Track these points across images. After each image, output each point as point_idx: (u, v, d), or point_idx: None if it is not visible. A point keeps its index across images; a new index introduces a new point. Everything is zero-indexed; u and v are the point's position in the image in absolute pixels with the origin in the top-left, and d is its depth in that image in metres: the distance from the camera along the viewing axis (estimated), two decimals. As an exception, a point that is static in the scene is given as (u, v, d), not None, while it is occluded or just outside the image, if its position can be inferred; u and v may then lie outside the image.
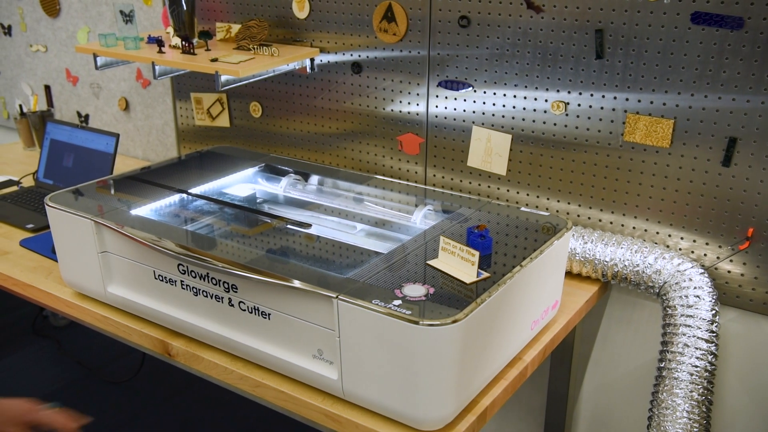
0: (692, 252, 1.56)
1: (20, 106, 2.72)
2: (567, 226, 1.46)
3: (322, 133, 2.06)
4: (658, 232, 1.60)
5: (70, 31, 2.62)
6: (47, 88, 2.83)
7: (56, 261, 1.67)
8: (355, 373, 1.20)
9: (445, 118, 1.81)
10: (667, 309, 1.51)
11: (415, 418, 1.18)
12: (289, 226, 1.57)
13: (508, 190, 1.77)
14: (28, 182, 2.36)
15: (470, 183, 1.83)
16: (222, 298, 1.34)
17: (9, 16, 2.84)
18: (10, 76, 2.97)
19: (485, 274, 1.24)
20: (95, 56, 2.00)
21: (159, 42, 1.91)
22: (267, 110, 2.15)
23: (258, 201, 1.80)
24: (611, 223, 1.65)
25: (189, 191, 1.69)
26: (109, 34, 1.99)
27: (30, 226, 1.99)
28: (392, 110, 1.89)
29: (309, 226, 1.56)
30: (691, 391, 1.44)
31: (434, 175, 1.88)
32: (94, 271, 1.53)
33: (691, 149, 1.50)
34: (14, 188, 2.31)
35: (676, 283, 1.49)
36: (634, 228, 1.63)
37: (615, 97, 1.56)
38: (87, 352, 2.79)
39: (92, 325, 1.61)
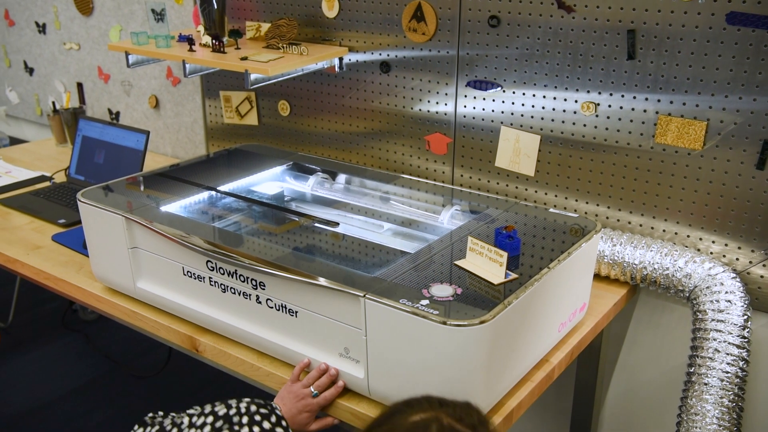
0: (724, 256, 1.54)
1: (53, 103, 2.76)
2: (596, 228, 1.44)
3: (349, 132, 2.06)
4: (688, 236, 1.58)
5: (103, 29, 2.66)
6: (79, 85, 2.88)
7: (87, 256, 1.69)
8: (382, 372, 1.21)
9: (474, 118, 1.80)
10: (698, 313, 1.49)
11: (441, 419, 1.17)
12: (316, 224, 1.58)
13: (536, 191, 1.76)
14: (60, 178, 2.40)
15: (498, 183, 1.82)
16: (250, 295, 1.35)
17: (44, 15, 2.88)
18: (44, 73, 3.03)
19: (513, 276, 1.23)
20: (127, 54, 2.03)
21: (190, 40, 1.93)
22: (295, 109, 2.16)
23: (286, 199, 1.81)
24: (641, 225, 1.63)
25: (217, 189, 1.71)
26: (141, 32, 2.01)
27: (62, 221, 2.02)
28: (420, 110, 1.89)
29: (336, 224, 1.56)
30: (721, 398, 1.42)
31: (462, 176, 1.88)
32: (124, 267, 1.55)
33: (725, 152, 1.48)
34: (47, 184, 2.35)
35: (707, 288, 1.47)
36: (664, 231, 1.61)
37: (646, 98, 1.54)
38: (114, 346, 2.82)
39: (121, 320, 1.63)
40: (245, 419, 1.15)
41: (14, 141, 3.04)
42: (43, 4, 2.86)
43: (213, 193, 1.70)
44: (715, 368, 1.43)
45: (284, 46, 1.92)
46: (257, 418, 1.16)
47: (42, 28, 2.92)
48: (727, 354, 1.43)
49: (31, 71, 3.08)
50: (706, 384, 1.44)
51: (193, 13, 2.33)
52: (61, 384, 2.60)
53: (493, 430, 0.91)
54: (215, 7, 1.93)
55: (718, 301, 1.45)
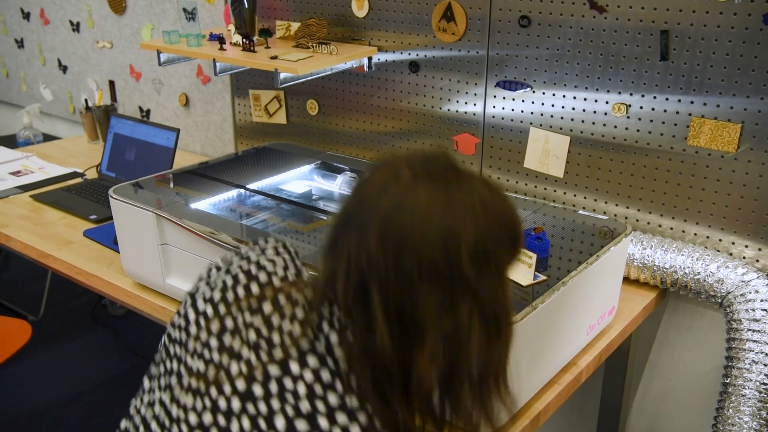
0: (757, 261, 1.51)
1: (86, 100, 2.80)
2: (626, 230, 1.43)
3: (378, 132, 2.06)
4: (720, 240, 1.55)
5: (135, 28, 2.69)
6: (111, 83, 2.92)
7: (118, 252, 1.71)
8: (408, 372, 1.20)
9: (503, 118, 1.79)
10: (732, 322, 1.46)
11: (467, 420, 1.17)
12: (344, 223, 1.58)
13: (564, 193, 1.75)
14: (92, 174, 2.44)
15: (526, 185, 1.81)
16: (277, 292, 1.36)
17: (77, 13, 2.93)
18: (77, 71, 3.07)
19: (542, 277, 1.22)
20: (159, 53, 2.05)
21: (220, 39, 1.94)
22: (324, 108, 2.17)
23: (314, 198, 1.82)
24: (671, 228, 1.61)
25: (246, 186, 1.72)
26: (173, 31, 2.03)
27: (93, 217, 2.05)
28: (449, 110, 1.88)
29: (364, 223, 1.56)
30: (759, 410, 1.39)
31: (490, 176, 1.87)
32: (154, 263, 1.56)
33: (759, 155, 1.45)
34: (78, 180, 2.39)
35: (741, 295, 1.44)
36: (695, 234, 1.58)
37: (679, 100, 1.52)
38: (142, 341, 2.86)
39: (151, 315, 1.65)
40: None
41: (47, 138, 3.09)
42: (77, 3, 2.90)
43: (242, 191, 1.71)
44: (753, 380, 1.40)
45: (314, 45, 1.93)
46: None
47: (76, 27, 2.96)
48: (765, 365, 1.40)
49: (64, 69, 3.13)
50: (743, 396, 1.41)
51: (223, 12, 2.34)
52: (89, 377, 2.64)
53: (465, 169, 0.87)
54: (246, 6, 1.95)
55: (753, 309, 1.43)
